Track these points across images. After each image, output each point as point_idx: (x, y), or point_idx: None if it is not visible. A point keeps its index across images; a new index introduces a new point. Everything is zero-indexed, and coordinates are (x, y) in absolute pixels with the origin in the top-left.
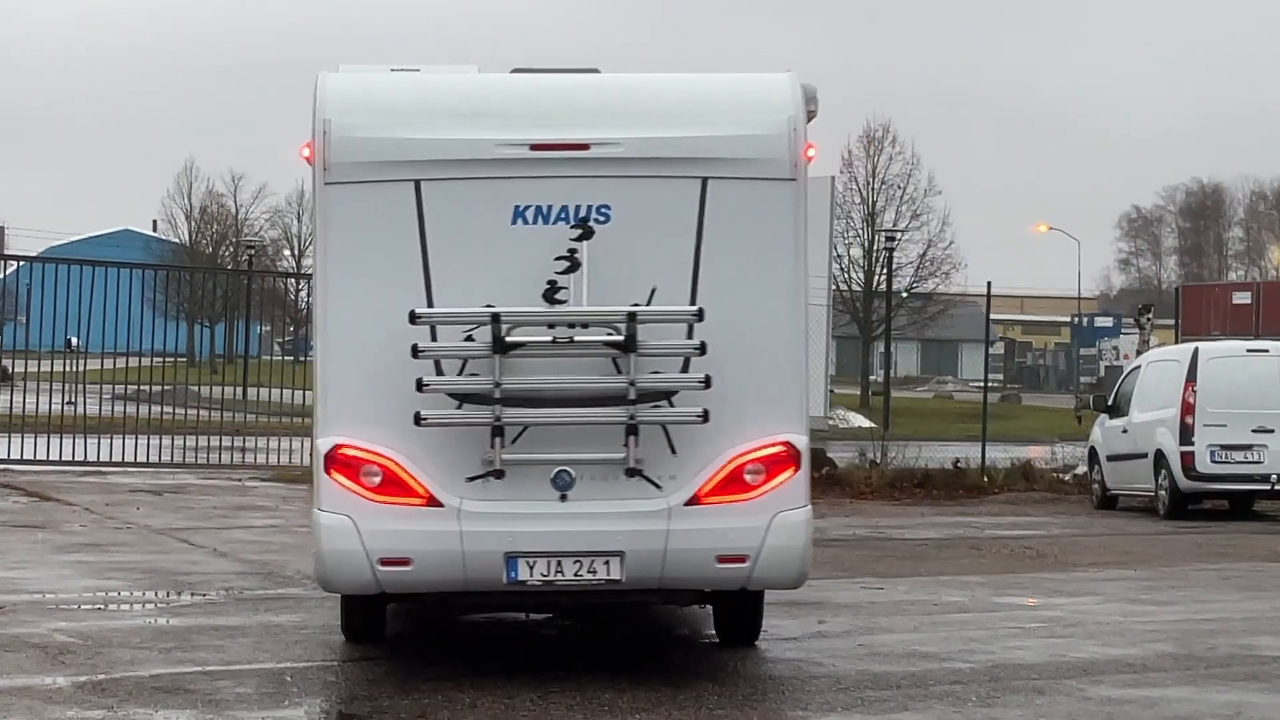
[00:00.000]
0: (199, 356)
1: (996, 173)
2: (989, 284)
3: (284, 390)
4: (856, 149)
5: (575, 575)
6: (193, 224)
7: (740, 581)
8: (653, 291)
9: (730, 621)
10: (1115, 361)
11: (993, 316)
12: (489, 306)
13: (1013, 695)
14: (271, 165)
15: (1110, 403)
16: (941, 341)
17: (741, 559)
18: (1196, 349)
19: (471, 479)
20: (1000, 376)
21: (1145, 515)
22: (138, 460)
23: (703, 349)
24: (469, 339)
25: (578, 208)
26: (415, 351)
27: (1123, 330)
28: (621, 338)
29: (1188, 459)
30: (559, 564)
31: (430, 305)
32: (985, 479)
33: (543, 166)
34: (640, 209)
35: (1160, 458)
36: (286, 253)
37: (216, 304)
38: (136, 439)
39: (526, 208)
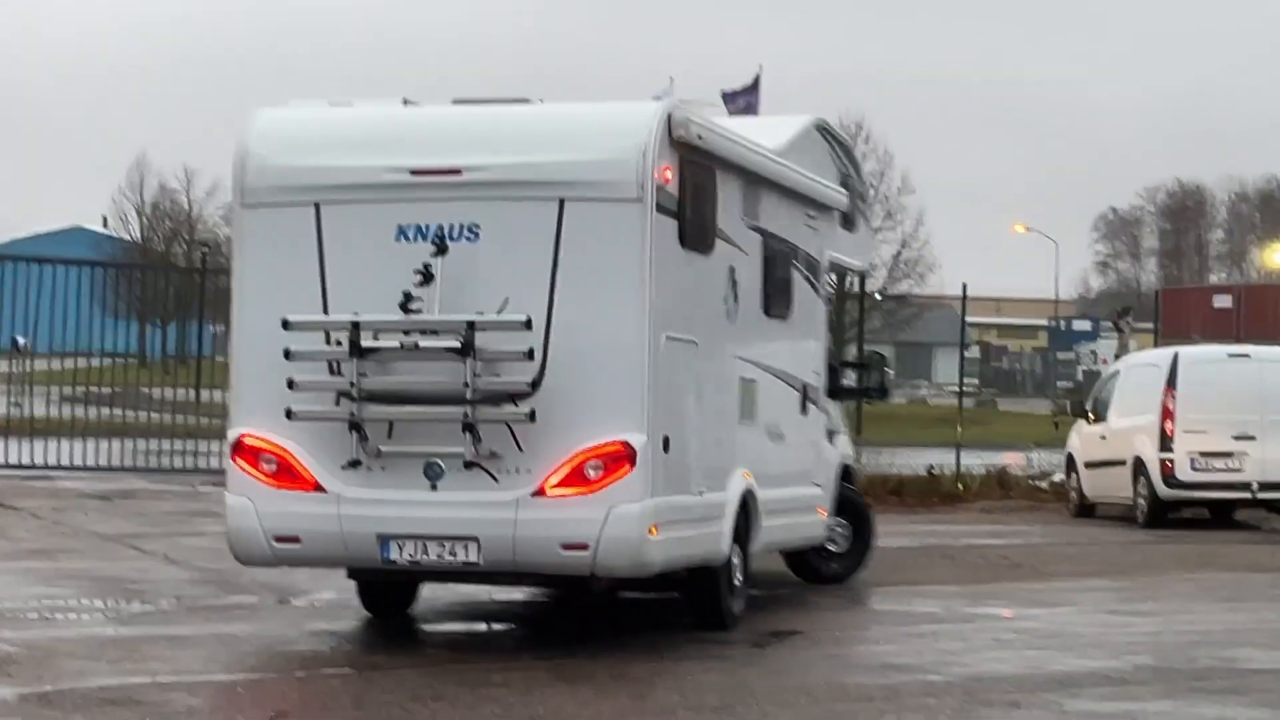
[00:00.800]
0: (151, 357)
1: (973, 172)
2: (964, 286)
3: None
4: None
5: (438, 557)
6: (144, 220)
7: (585, 568)
8: (505, 302)
9: (692, 606)
10: (1093, 366)
11: (968, 319)
12: (355, 314)
13: (988, 709)
14: (226, 160)
15: (1088, 408)
16: (916, 345)
17: (583, 547)
18: (1177, 354)
19: (343, 467)
20: (976, 381)
21: (1123, 524)
22: (87, 464)
23: (530, 354)
24: (338, 344)
25: (451, 226)
26: (287, 354)
27: (1101, 334)
28: (458, 344)
29: (1167, 467)
30: (424, 547)
31: (326, 313)
32: (960, 486)
33: (422, 190)
34: (506, 228)
35: (1139, 465)
36: None
37: (169, 303)
38: (85, 442)
39: (408, 226)
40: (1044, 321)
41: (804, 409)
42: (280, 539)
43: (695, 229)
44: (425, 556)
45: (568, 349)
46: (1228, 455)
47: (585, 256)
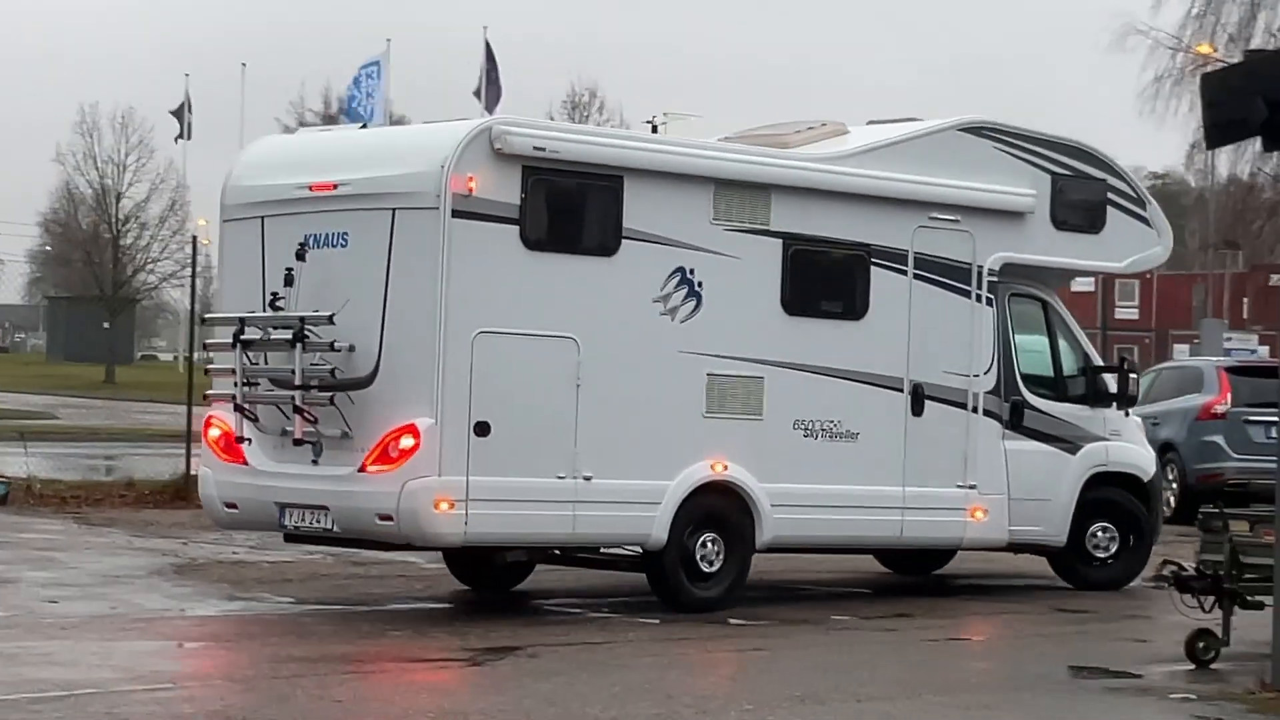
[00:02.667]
0: None
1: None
2: None
3: None
4: (559, 115)
5: (310, 524)
6: None
7: (396, 537)
8: (345, 301)
9: (651, 586)
10: None
11: None
12: (250, 312)
13: None
14: None
15: None
16: None
17: (390, 517)
18: None
19: (236, 442)
20: None
21: None
22: None
23: (332, 346)
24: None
25: (331, 234)
26: (204, 346)
27: None
28: (289, 336)
29: None
30: (302, 514)
31: (265, 312)
32: None
33: (316, 204)
34: (364, 235)
35: None
36: None
37: None
38: None
39: (310, 235)
40: None
41: (917, 409)
42: (227, 505)
43: (555, 233)
44: (303, 523)
45: (394, 342)
46: None
47: (407, 260)
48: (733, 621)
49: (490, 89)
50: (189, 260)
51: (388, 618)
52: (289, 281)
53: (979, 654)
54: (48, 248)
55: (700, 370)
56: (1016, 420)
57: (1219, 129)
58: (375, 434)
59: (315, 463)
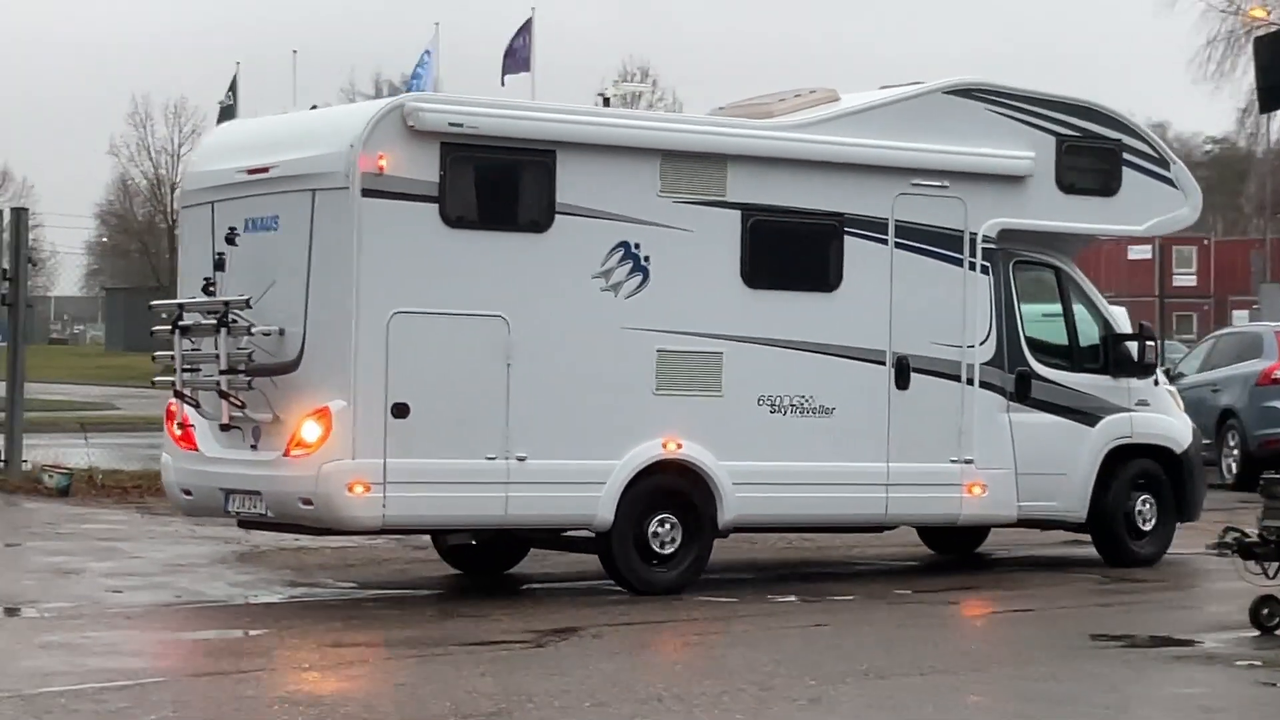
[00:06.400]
0: None
1: None
2: None
3: None
4: (614, 94)
5: (248, 509)
6: None
7: (317, 520)
8: (270, 284)
9: (606, 569)
10: None
11: None
12: (191, 297)
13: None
14: None
15: None
16: None
17: (310, 501)
18: None
19: (177, 428)
20: None
21: None
22: None
23: (249, 330)
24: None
25: (264, 218)
26: (151, 333)
27: None
28: (214, 322)
29: None
30: (242, 500)
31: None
32: None
33: (253, 187)
34: (291, 218)
35: None
36: None
37: None
38: None
39: (250, 219)
40: None
41: (901, 382)
42: (184, 491)
43: (479, 210)
44: (243, 508)
45: (316, 325)
46: None
47: (325, 242)
48: (793, 599)
49: (512, 60)
50: None
51: (450, 601)
52: (220, 265)
53: (1041, 624)
54: (104, 239)
55: (649, 346)
56: (1023, 392)
57: (1272, 92)
58: (293, 418)
59: (254, 448)
